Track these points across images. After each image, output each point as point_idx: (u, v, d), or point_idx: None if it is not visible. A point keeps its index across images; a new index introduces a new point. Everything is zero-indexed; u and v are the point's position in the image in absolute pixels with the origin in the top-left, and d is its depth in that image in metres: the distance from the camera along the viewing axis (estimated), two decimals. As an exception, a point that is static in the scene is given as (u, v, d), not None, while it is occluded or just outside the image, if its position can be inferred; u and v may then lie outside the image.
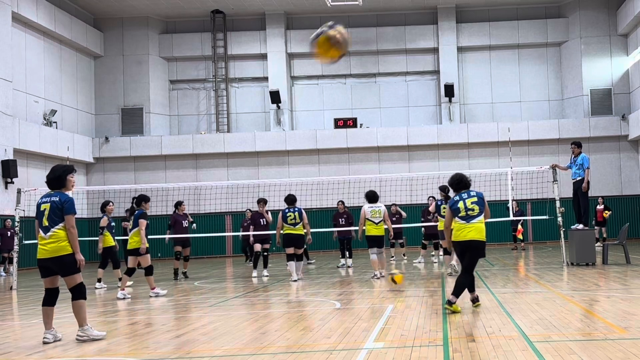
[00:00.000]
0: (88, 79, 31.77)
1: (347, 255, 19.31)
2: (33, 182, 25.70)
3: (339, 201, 19.86)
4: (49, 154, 27.57)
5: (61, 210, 7.59)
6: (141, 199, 12.86)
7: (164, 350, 6.94)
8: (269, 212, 17.29)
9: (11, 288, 15.88)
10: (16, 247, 16.59)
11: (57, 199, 7.65)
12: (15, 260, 16.62)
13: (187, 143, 31.46)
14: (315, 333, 7.59)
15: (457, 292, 8.80)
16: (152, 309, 11.02)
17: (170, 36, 32.84)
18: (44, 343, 7.55)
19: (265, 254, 16.92)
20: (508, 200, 19.00)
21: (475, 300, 9.12)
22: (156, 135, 31.76)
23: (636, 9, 28.23)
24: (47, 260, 7.56)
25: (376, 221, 14.42)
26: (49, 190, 7.87)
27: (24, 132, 25.97)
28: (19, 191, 16.76)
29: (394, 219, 20.36)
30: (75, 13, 30.35)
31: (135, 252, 12.70)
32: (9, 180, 24.59)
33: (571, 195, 16.22)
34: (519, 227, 25.18)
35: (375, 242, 14.53)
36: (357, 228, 19.09)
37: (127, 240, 14.21)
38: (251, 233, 17.26)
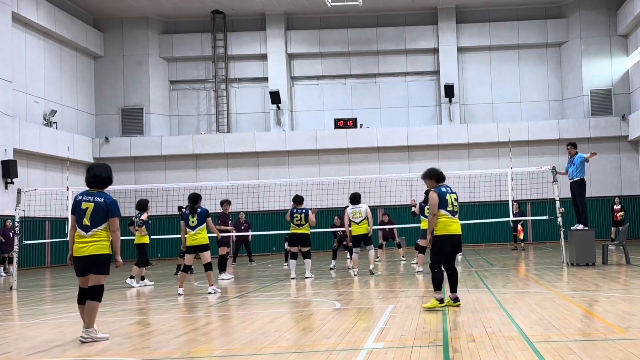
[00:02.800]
0: (88, 79, 31.77)
1: (349, 256, 19.56)
2: (33, 182, 25.71)
3: (336, 216, 20.74)
4: (49, 154, 27.58)
5: (106, 212, 7.61)
6: (198, 198, 13.14)
7: (164, 350, 6.93)
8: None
9: (11, 288, 15.88)
10: (16, 247, 16.59)
11: (102, 200, 7.65)
12: (15, 260, 16.62)
13: (187, 143, 31.47)
14: (315, 333, 7.59)
15: (456, 288, 9.24)
16: (152, 309, 11.03)
17: (170, 36, 32.85)
18: (82, 342, 7.53)
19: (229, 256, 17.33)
20: (508, 201, 18.99)
21: (456, 300, 9.28)
22: (156, 136, 31.77)
23: (636, 9, 28.23)
24: (86, 258, 7.58)
25: (357, 221, 15.62)
26: (88, 189, 7.80)
27: (24, 132, 25.97)
28: (19, 191, 16.76)
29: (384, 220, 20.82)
30: (75, 13, 30.36)
31: (198, 248, 12.95)
32: (9, 180, 24.60)
33: (570, 196, 16.21)
34: (519, 227, 25.12)
35: (358, 240, 15.74)
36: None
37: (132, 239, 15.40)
38: (232, 233, 17.57)
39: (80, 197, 7.72)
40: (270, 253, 28.97)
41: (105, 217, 7.61)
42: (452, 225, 9.07)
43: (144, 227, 15.39)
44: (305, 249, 15.69)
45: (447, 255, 9.22)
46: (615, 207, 25.38)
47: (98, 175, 7.78)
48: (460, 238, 9.25)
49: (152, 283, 15.38)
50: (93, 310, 7.60)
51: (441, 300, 9.04)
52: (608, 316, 7.98)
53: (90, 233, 7.58)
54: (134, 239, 15.67)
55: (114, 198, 7.80)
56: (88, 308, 7.59)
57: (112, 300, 12.28)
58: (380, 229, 21.21)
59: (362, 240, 15.70)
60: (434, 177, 9.27)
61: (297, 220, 15.35)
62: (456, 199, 9.20)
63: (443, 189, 9.17)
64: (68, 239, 7.88)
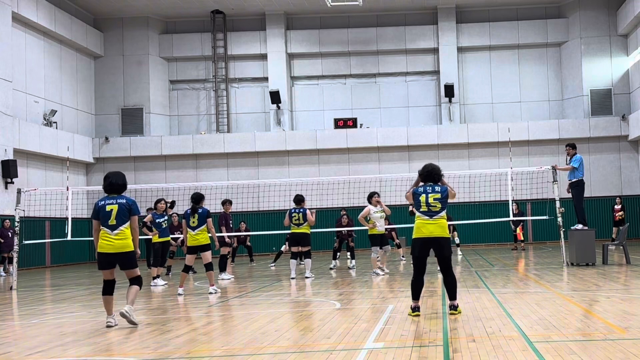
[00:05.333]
0: (88, 79, 31.77)
1: (350, 257, 19.54)
2: (33, 182, 25.72)
3: (344, 216, 20.53)
4: (49, 154, 27.58)
5: (129, 211, 8.66)
6: (200, 198, 13.21)
7: (164, 350, 6.94)
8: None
9: (11, 288, 15.88)
10: (16, 247, 16.59)
11: (124, 201, 8.69)
12: (15, 260, 16.62)
13: (187, 143, 31.46)
14: (315, 333, 7.59)
15: (454, 295, 8.67)
16: (152, 308, 11.02)
17: (170, 36, 32.84)
18: (108, 326, 8.50)
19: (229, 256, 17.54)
20: (508, 201, 18.99)
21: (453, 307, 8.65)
22: (156, 136, 31.76)
23: (636, 9, 28.23)
24: (112, 255, 8.56)
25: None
26: (108, 194, 8.79)
27: (24, 132, 25.97)
28: (19, 191, 16.75)
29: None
30: (75, 13, 30.35)
31: (199, 248, 12.98)
32: (9, 180, 24.59)
33: (571, 196, 16.22)
34: (518, 229, 25.09)
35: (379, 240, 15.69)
36: (357, 228, 19.50)
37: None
38: (226, 234, 17.59)
39: (102, 202, 8.71)
40: (270, 253, 28.95)
41: (128, 216, 8.63)
42: (425, 227, 8.46)
43: (144, 227, 15.58)
44: (304, 249, 15.64)
45: (438, 260, 8.66)
46: (616, 207, 25.36)
47: (114, 183, 8.79)
48: (438, 240, 8.47)
49: (163, 283, 15.33)
50: (135, 291, 8.74)
51: (414, 309, 8.54)
52: (608, 316, 7.98)
53: (115, 232, 8.54)
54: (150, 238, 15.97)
55: (134, 199, 8.91)
56: (130, 290, 8.69)
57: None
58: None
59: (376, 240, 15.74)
60: (420, 175, 8.84)
61: (295, 220, 15.34)
62: (436, 199, 8.49)
63: (420, 190, 8.67)
64: (93, 239, 8.75)
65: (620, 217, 24.87)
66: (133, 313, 8.61)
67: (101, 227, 8.57)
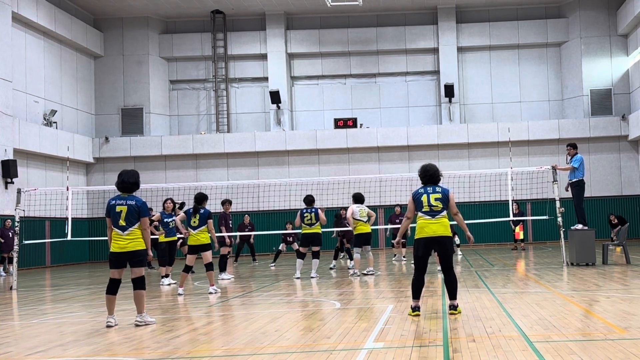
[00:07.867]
0: (88, 79, 31.77)
1: (348, 257, 19.53)
2: (33, 182, 25.71)
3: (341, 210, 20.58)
4: (49, 154, 27.58)
5: (138, 212, 8.74)
6: (203, 198, 13.28)
7: (164, 350, 6.94)
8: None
9: (11, 288, 15.88)
10: (16, 247, 16.59)
11: (134, 202, 8.78)
12: (15, 260, 16.62)
13: (187, 143, 31.46)
14: (315, 333, 7.59)
15: (454, 294, 8.70)
16: (152, 309, 11.02)
17: (170, 36, 32.84)
18: (108, 326, 8.56)
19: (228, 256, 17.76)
20: (508, 201, 19.00)
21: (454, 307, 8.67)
22: (156, 136, 31.76)
23: (636, 9, 28.23)
24: (123, 254, 8.69)
25: (365, 219, 15.60)
26: (120, 193, 8.91)
27: (24, 132, 25.97)
28: (19, 191, 16.75)
29: (398, 220, 20.50)
30: (75, 13, 30.35)
31: (200, 248, 13.00)
32: (9, 180, 24.59)
33: (571, 196, 16.22)
34: (517, 229, 25.13)
35: (367, 240, 15.68)
36: (350, 228, 19.52)
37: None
38: (226, 234, 17.59)
39: (113, 202, 8.81)
40: (270, 253, 28.95)
41: (138, 218, 8.73)
42: (428, 227, 8.52)
43: (151, 226, 15.72)
44: (315, 249, 15.71)
45: (440, 259, 8.76)
46: (613, 222, 25.60)
47: (126, 181, 8.91)
48: (441, 239, 8.54)
49: (174, 281, 15.38)
50: (141, 297, 8.77)
51: (414, 308, 8.54)
52: (608, 316, 7.99)
53: (126, 232, 8.69)
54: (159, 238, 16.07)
55: (144, 200, 8.94)
56: (137, 296, 8.76)
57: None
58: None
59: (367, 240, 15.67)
60: (421, 178, 8.90)
61: (307, 220, 15.42)
62: (438, 199, 8.58)
63: (421, 190, 8.74)
64: (107, 237, 8.89)
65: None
66: (146, 317, 8.77)
67: (113, 228, 8.72)
